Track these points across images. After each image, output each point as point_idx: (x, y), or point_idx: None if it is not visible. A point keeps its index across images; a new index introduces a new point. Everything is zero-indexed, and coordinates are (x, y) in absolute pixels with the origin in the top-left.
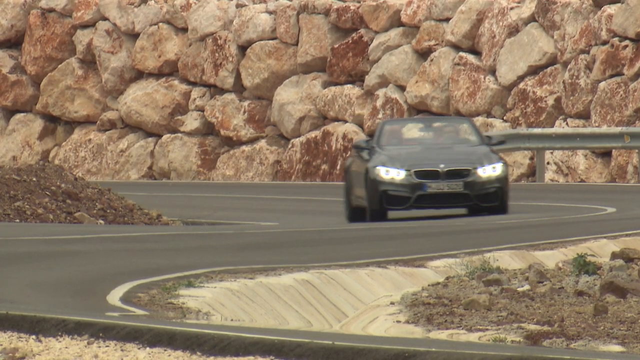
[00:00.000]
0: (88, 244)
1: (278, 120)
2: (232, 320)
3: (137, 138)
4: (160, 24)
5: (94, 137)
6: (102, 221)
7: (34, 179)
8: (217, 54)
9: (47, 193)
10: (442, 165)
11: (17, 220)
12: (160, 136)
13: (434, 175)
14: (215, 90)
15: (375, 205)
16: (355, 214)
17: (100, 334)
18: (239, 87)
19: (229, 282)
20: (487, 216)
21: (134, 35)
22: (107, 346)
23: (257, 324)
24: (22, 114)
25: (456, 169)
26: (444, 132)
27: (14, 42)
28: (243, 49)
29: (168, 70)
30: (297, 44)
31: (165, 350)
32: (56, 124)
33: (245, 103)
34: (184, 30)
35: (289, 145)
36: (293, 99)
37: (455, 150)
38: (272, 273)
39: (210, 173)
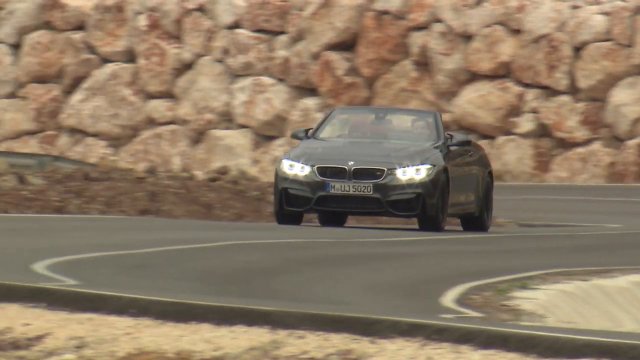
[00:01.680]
0: (420, 245)
1: (613, 121)
2: (566, 322)
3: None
4: (495, 25)
5: None
6: None
7: None
8: (551, 56)
9: None
10: (350, 163)
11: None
12: (494, 138)
13: (339, 173)
14: (549, 91)
15: (276, 205)
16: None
17: (434, 336)
18: (573, 89)
19: (563, 284)
20: None
21: (468, 37)
22: (440, 348)
23: (591, 326)
24: None
25: (366, 168)
26: (395, 125)
27: (348, 45)
28: (577, 50)
29: (502, 72)
30: (631, 46)
31: (498, 352)
32: None
33: (580, 104)
34: (518, 31)
35: (624, 147)
36: (628, 100)
37: (385, 146)
38: (607, 275)
39: (544, 175)
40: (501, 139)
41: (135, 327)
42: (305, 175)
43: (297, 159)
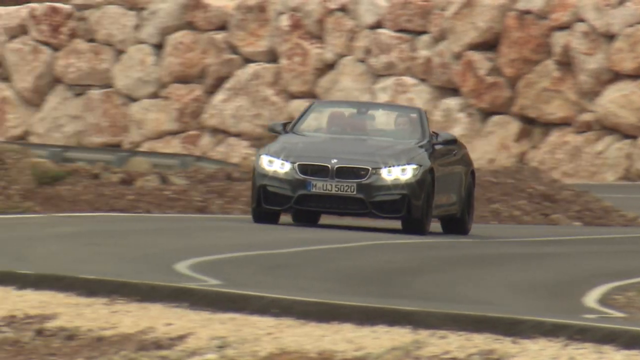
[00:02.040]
0: (563, 245)
1: None
2: None
3: (613, 140)
4: (638, 25)
5: (570, 139)
6: (578, 223)
7: (511, 180)
8: None
9: (524, 195)
10: (334, 161)
11: (494, 222)
12: (636, 138)
13: (322, 172)
14: None
15: (254, 203)
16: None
17: (576, 336)
18: None
19: None
20: None
21: (610, 37)
22: (583, 348)
23: None
24: (498, 116)
25: (350, 166)
26: (378, 122)
27: (490, 44)
28: None
29: None
30: None
31: None
32: (532, 126)
33: None
34: None
35: None
36: None
37: (369, 143)
38: None
39: None
40: None
41: (277, 327)
42: (286, 173)
43: (276, 154)
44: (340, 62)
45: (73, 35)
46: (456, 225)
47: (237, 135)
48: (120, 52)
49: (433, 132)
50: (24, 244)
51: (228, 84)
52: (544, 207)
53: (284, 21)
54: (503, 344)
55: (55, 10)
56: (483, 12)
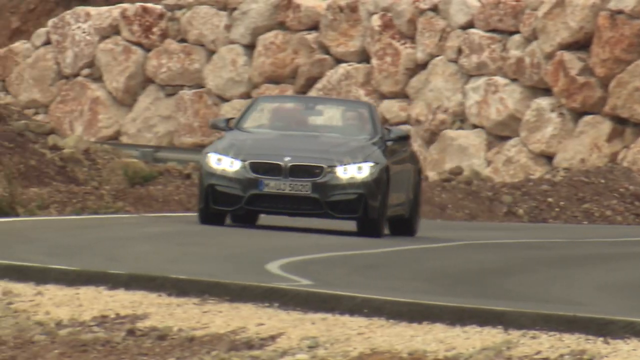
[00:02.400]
0: None
1: None
2: None
3: None
4: None
5: None
6: None
7: (602, 180)
8: None
9: (616, 195)
10: (287, 159)
11: (585, 222)
12: None
13: (274, 170)
14: None
15: (202, 202)
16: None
17: None
18: None
19: None
20: None
21: None
22: None
23: None
24: (590, 116)
25: (304, 165)
26: (327, 117)
27: (582, 44)
28: None
29: None
30: None
31: None
32: (624, 126)
33: None
34: None
35: None
36: None
37: (321, 140)
38: None
39: None
40: None
41: (369, 327)
42: (236, 171)
43: (225, 152)
44: (432, 62)
45: (164, 35)
46: (404, 226)
47: None
48: (211, 53)
49: (385, 127)
50: (116, 244)
51: (319, 85)
52: (635, 207)
53: (375, 21)
54: (594, 344)
55: (146, 11)
56: (575, 12)
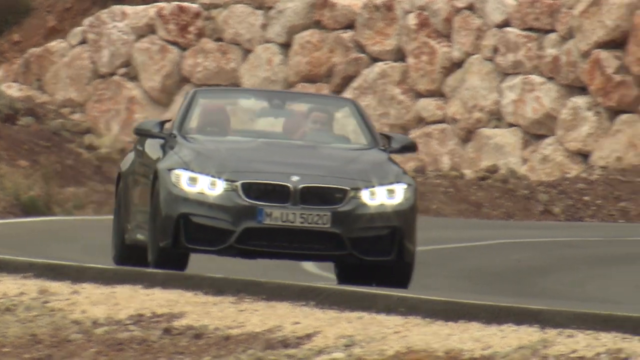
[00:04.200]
0: None
1: None
2: None
3: None
4: None
5: None
6: None
7: (639, 179)
8: None
9: None
10: (295, 178)
11: (621, 221)
12: None
13: (278, 194)
14: None
15: (167, 239)
16: (130, 254)
17: None
18: None
19: None
20: None
21: None
22: None
23: None
24: (626, 115)
25: (320, 187)
26: (305, 119)
27: (618, 43)
28: None
29: None
30: None
31: None
32: None
33: None
34: None
35: None
36: None
37: (322, 152)
38: None
39: None
40: None
41: (404, 326)
42: (220, 196)
43: (201, 168)
44: (468, 60)
45: (200, 34)
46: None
47: None
48: (247, 52)
49: (384, 134)
50: None
51: (355, 83)
52: None
53: (411, 20)
54: (631, 343)
55: (182, 10)
56: (611, 10)
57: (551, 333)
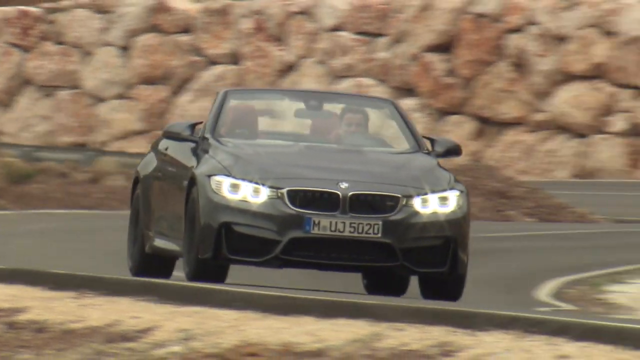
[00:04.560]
0: (518, 241)
1: None
2: None
3: (565, 139)
4: (589, 27)
5: (524, 137)
6: (531, 219)
7: (467, 178)
8: None
9: (479, 192)
10: (344, 185)
11: None
12: (586, 136)
13: (326, 202)
14: None
15: (207, 250)
16: (150, 264)
17: (530, 329)
18: None
19: None
20: None
21: (562, 39)
22: (536, 340)
23: None
24: (454, 116)
25: (371, 194)
26: (344, 121)
27: (446, 46)
28: None
29: (596, 73)
30: None
31: (593, 344)
32: (487, 125)
33: None
34: (612, 33)
35: None
36: None
37: (369, 157)
38: None
39: (637, 172)
40: (595, 137)
41: (241, 320)
42: (263, 203)
43: (243, 174)
44: (301, 63)
45: (43, 37)
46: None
47: None
48: (88, 54)
49: (427, 137)
50: None
51: (193, 85)
52: (498, 204)
53: (247, 24)
54: (459, 337)
55: (25, 14)
56: (439, 15)
57: (382, 327)
